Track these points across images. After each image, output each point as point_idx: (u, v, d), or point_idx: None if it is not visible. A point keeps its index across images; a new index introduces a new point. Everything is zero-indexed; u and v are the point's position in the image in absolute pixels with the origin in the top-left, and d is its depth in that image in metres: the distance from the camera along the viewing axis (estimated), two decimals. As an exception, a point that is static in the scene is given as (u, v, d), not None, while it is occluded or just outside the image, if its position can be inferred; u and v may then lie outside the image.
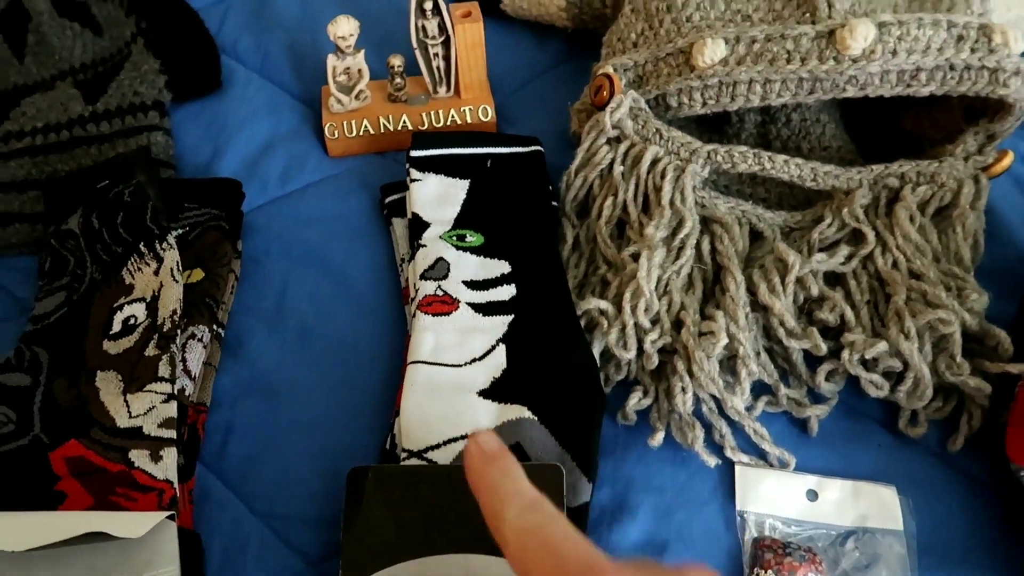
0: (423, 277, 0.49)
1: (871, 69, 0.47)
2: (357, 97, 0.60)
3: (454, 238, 0.51)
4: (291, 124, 0.62)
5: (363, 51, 0.58)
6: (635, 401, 0.45)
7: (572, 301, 0.48)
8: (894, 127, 0.56)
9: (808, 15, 0.49)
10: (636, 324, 0.45)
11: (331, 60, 0.58)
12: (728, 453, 0.44)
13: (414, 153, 0.55)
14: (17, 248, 0.54)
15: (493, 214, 0.52)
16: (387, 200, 0.56)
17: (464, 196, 0.53)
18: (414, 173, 0.54)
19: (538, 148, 0.56)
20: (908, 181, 0.50)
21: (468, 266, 0.49)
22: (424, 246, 0.50)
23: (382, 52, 0.60)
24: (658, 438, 0.45)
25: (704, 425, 0.44)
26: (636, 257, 0.48)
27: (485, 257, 0.50)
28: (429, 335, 0.46)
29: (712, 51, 0.49)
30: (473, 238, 0.51)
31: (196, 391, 0.46)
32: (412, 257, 0.50)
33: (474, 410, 0.43)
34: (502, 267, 0.50)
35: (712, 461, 0.43)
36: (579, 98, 0.59)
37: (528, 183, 0.54)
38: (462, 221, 0.52)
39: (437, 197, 0.53)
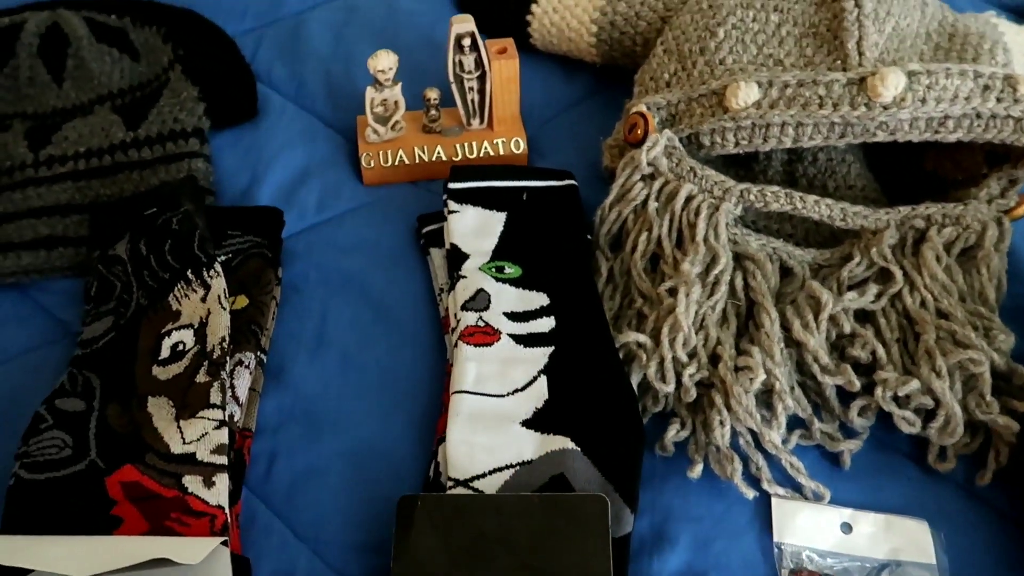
0: (464, 308, 0.50)
1: (901, 116, 0.48)
2: (393, 128, 0.61)
3: (493, 269, 0.52)
4: (326, 152, 0.64)
5: (400, 84, 0.60)
6: (673, 433, 0.47)
7: (610, 334, 0.49)
8: (916, 167, 0.58)
9: (839, 62, 0.51)
10: (674, 358, 0.47)
11: (370, 92, 0.59)
12: (765, 485, 0.45)
13: (452, 185, 0.56)
14: (61, 271, 0.55)
15: (530, 246, 0.54)
16: (424, 230, 0.57)
17: (501, 228, 0.55)
18: (452, 205, 0.55)
19: (572, 182, 0.58)
20: (934, 223, 0.51)
21: (508, 298, 0.51)
22: (464, 277, 0.52)
23: (413, 83, 0.61)
24: (697, 470, 0.46)
25: (740, 457, 0.45)
26: (673, 292, 0.49)
27: (524, 289, 0.51)
28: (472, 365, 0.47)
29: (746, 94, 0.51)
30: (511, 270, 0.52)
31: (243, 417, 0.46)
32: (452, 287, 0.51)
33: (518, 440, 0.44)
34: (541, 299, 0.51)
35: (750, 493, 0.44)
36: (610, 133, 0.60)
37: (563, 216, 0.56)
38: (500, 253, 0.53)
39: (475, 229, 0.54)
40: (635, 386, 0.47)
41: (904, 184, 0.58)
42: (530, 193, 0.57)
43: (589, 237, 0.55)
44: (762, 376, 0.45)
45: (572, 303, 0.51)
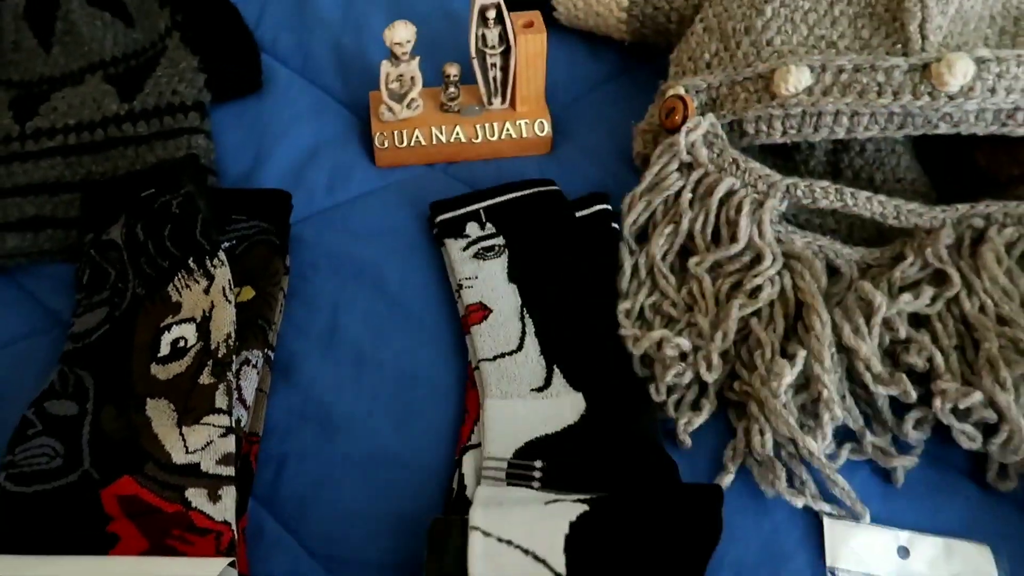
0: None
1: (967, 107, 0.45)
2: (409, 106, 0.57)
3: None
4: (336, 130, 0.59)
5: (418, 58, 0.55)
6: (685, 421, 0.44)
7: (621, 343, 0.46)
8: (966, 161, 0.55)
9: (899, 46, 0.47)
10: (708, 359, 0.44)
11: (385, 66, 0.55)
12: (810, 502, 0.42)
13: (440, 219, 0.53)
14: (49, 255, 0.50)
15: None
16: (438, 219, 0.53)
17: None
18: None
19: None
20: (994, 222, 0.48)
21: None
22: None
23: (429, 57, 0.57)
24: (727, 479, 0.43)
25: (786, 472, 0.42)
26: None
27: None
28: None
29: (796, 78, 0.47)
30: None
31: (249, 420, 0.43)
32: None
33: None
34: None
35: (799, 501, 0.41)
36: (640, 116, 0.56)
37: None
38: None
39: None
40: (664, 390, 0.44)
41: (954, 178, 0.54)
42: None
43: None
44: (788, 379, 0.42)
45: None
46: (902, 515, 0.42)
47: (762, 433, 0.43)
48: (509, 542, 0.36)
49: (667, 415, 0.45)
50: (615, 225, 0.51)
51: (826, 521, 0.41)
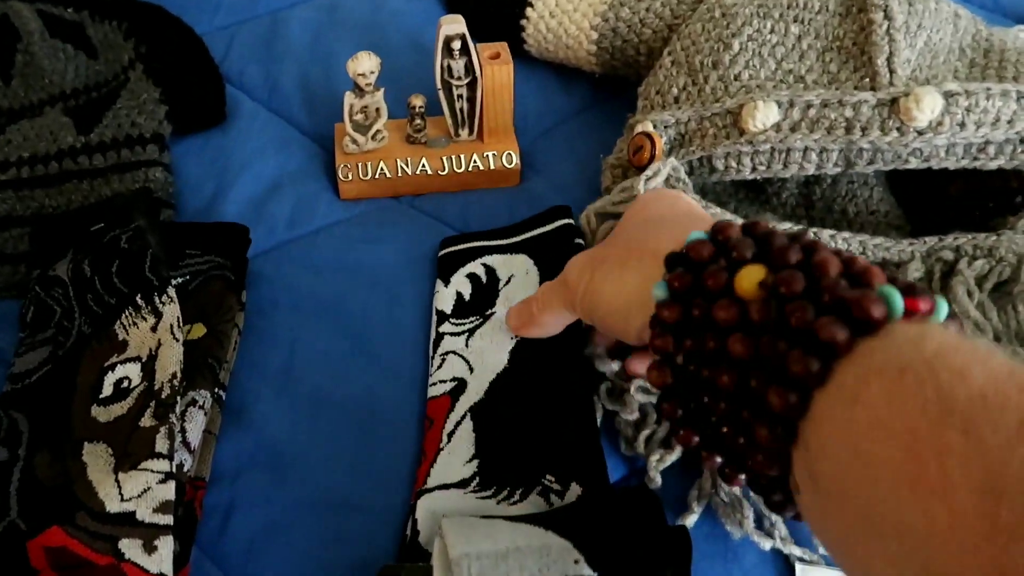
0: None
1: (937, 142, 0.44)
2: (374, 137, 0.56)
3: None
4: (300, 162, 0.58)
5: (383, 90, 0.54)
6: (656, 458, 0.42)
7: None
8: (940, 192, 0.54)
9: (867, 80, 0.47)
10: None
11: (348, 98, 0.54)
12: (780, 545, 0.40)
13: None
14: (-4, 292, 0.49)
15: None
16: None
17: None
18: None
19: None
20: (964, 254, 0.47)
21: None
22: None
23: (398, 89, 0.56)
24: (691, 520, 0.41)
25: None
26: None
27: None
28: None
29: (764, 115, 0.46)
30: None
31: (195, 464, 0.41)
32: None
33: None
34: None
35: (766, 543, 0.40)
36: (610, 149, 0.55)
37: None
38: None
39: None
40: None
41: (926, 208, 0.54)
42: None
43: None
44: None
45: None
46: (876, 563, 0.40)
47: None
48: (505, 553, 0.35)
49: (637, 452, 0.43)
50: (579, 241, 0.50)
51: (798, 568, 0.39)
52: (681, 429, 0.32)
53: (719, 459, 0.31)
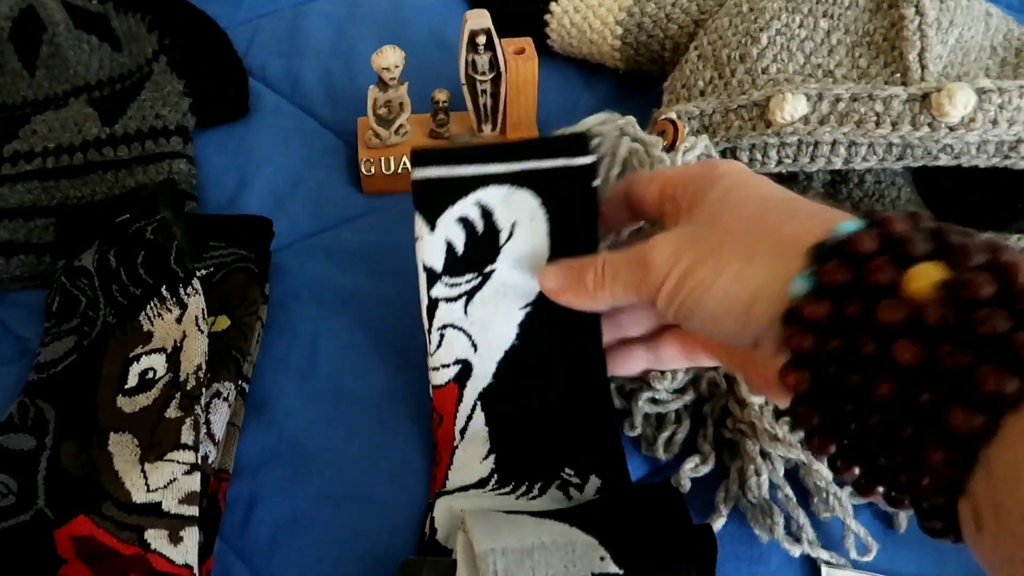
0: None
1: (968, 139, 0.43)
2: (397, 132, 0.56)
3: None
4: (322, 156, 0.58)
5: (407, 84, 0.54)
6: (691, 466, 0.41)
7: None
8: (968, 193, 0.53)
9: (898, 75, 0.46)
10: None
11: (373, 92, 0.54)
12: (807, 548, 0.40)
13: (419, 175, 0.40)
14: (22, 281, 0.49)
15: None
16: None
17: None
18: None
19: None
20: (996, 256, 0.46)
21: None
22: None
23: (419, 84, 0.56)
24: (719, 522, 0.41)
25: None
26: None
27: None
28: None
29: (793, 107, 0.46)
30: None
31: (219, 456, 0.41)
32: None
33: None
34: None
35: (796, 550, 0.39)
36: (633, 145, 0.55)
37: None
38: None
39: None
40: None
41: (953, 209, 0.53)
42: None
43: None
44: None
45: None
46: (904, 564, 0.40)
47: (758, 474, 0.41)
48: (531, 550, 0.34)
49: (657, 455, 0.43)
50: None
51: (824, 570, 0.39)
52: (815, 437, 0.28)
53: (857, 471, 0.27)
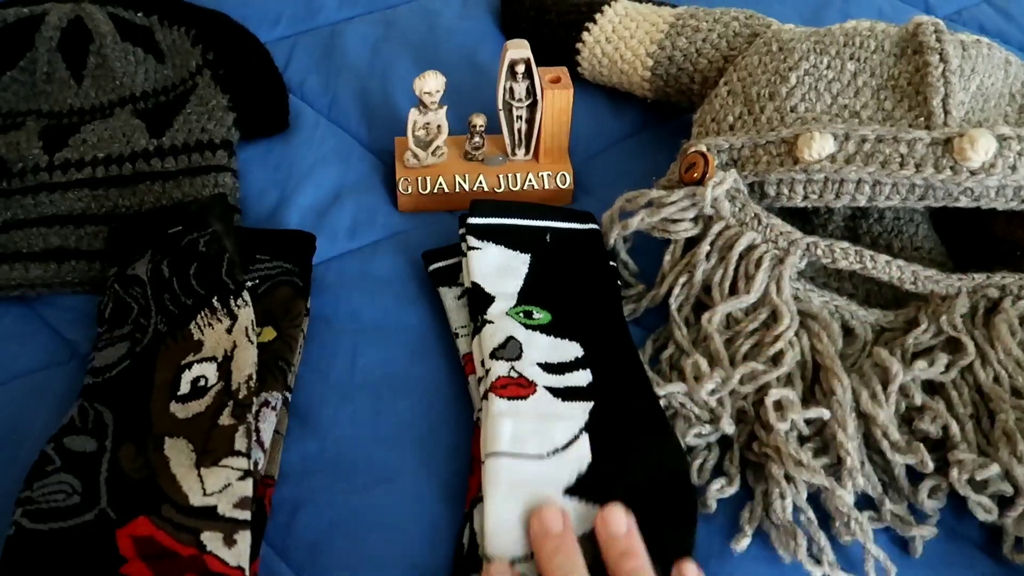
0: (494, 356, 0.46)
1: (988, 183, 0.46)
2: (434, 153, 0.58)
3: (521, 315, 0.48)
4: (360, 173, 0.60)
5: (445, 108, 0.56)
6: (717, 488, 0.43)
7: (652, 388, 0.45)
8: (983, 231, 0.56)
9: (921, 119, 0.48)
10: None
11: (413, 114, 0.56)
12: (827, 569, 0.42)
13: (472, 220, 0.53)
14: (72, 286, 0.51)
15: (558, 291, 0.50)
16: (431, 268, 0.53)
17: (527, 270, 0.51)
18: (472, 241, 0.52)
19: (595, 226, 0.54)
20: (1009, 293, 0.49)
21: (540, 346, 0.47)
22: (491, 322, 0.47)
23: (451, 104, 0.58)
24: (743, 543, 0.42)
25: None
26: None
27: (555, 337, 0.47)
28: (507, 421, 0.43)
29: (820, 145, 0.48)
30: (540, 315, 0.48)
31: (266, 462, 0.42)
32: (478, 331, 0.47)
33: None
34: (575, 349, 0.47)
35: (818, 572, 0.41)
36: (660, 172, 0.57)
37: (589, 261, 0.52)
38: (526, 296, 0.49)
39: (498, 269, 0.51)
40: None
41: (969, 248, 0.55)
42: (553, 235, 0.53)
43: (620, 283, 0.52)
44: (795, 415, 0.43)
45: (608, 354, 0.47)
46: (919, 588, 0.42)
47: (782, 497, 0.42)
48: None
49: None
50: (613, 264, 0.53)
51: (843, 590, 0.41)
52: None
53: None
